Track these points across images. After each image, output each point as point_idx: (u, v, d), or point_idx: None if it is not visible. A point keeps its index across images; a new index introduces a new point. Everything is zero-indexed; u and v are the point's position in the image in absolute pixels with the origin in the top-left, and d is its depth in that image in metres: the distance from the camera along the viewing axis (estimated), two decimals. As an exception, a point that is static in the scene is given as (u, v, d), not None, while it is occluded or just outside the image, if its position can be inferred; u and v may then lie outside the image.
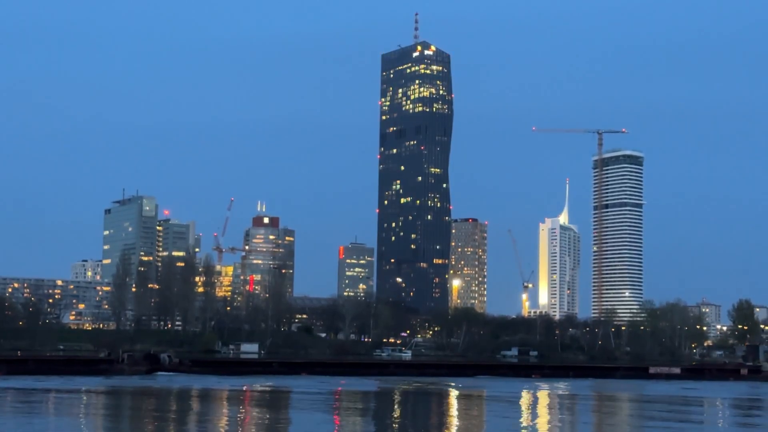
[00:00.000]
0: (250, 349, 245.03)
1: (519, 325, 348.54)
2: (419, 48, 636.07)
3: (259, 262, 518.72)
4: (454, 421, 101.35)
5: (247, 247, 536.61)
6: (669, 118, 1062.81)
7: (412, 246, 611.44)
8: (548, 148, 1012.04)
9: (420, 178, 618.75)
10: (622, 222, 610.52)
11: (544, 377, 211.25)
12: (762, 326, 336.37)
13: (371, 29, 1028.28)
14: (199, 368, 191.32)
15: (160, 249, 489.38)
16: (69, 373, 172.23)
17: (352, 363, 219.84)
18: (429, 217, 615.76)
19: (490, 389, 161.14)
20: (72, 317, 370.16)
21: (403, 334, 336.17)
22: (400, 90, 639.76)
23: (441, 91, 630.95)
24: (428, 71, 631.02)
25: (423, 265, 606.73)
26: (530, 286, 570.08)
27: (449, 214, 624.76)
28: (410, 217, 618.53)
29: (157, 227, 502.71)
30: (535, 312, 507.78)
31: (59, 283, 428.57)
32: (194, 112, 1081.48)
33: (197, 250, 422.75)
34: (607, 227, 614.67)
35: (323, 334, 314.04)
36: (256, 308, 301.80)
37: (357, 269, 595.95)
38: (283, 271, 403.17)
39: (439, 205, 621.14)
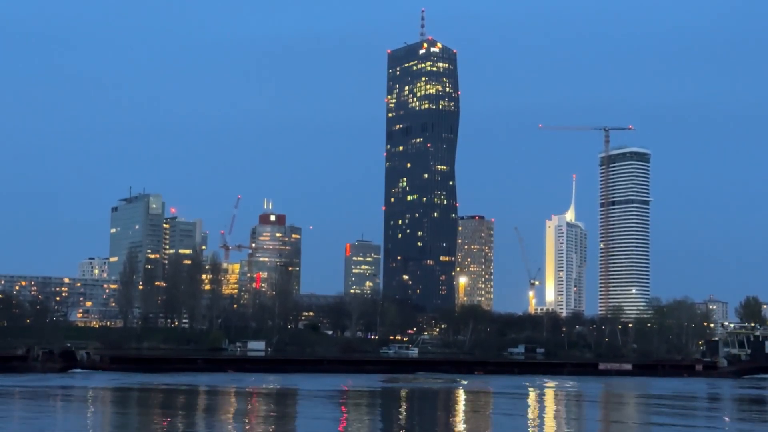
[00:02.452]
0: (256, 347, 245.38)
1: (526, 322, 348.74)
2: (425, 45, 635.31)
3: (266, 259, 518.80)
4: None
5: (253, 245, 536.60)
6: (676, 115, 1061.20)
7: (419, 243, 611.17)
8: (555, 145, 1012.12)
9: (426, 176, 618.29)
10: (629, 219, 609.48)
11: (487, 374, 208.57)
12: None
13: (378, 26, 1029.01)
14: (117, 365, 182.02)
15: (167, 247, 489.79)
16: None
17: (314, 360, 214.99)
18: (435, 214, 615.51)
19: (407, 386, 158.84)
20: (79, 315, 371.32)
21: (410, 331, 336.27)
22: (407, 87, 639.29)
23: (447, 89, 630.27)
24: (434, 68, 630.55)
25: (429, 262, 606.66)
26: (537, 283, 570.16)
27: (456, 212, 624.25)
28: (417, 215, 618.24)
29: (164, 225, 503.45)
30: (541, 309, 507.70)
31: (66, 280, 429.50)
32: (201, 111, 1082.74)
33: (204, 247, 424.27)
34: (613, 224, 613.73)
35: (330, 332, 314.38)
36: (263, 306, 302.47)
37: (363, 267, 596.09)
38: (290, 268, 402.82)
39: (445, 202, 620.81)
